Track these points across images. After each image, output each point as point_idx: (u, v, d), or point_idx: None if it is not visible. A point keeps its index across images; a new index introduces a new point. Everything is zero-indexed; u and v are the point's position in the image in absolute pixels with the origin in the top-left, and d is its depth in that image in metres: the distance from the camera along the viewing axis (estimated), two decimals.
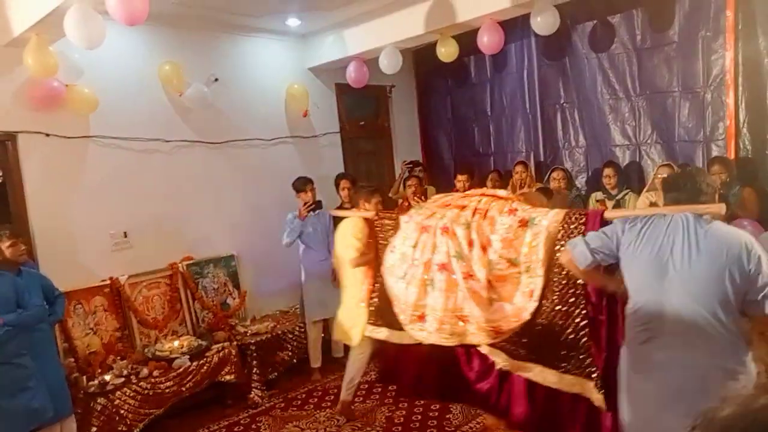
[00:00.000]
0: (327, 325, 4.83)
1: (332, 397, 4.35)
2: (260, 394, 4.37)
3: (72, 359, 3.88)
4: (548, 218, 2.76)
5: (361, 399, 4.27)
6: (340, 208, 5.05)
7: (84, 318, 4.04)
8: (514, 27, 5.24)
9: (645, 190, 4.53)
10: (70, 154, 4.23)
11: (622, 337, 2.39)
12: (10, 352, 2.91)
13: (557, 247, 2.70)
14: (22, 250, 3.34)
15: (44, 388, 3.09)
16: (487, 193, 3.24)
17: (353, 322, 3.78)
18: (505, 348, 2.96)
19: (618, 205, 4.63)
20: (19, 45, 3.73)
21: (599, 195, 4.75)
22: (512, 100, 5.87)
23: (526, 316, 2.77)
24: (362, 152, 6.52)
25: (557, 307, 2.71)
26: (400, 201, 5.48)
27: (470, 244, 2.91)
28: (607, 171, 4.74)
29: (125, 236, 4.47)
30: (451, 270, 2.93)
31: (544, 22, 4.41)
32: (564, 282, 2.68)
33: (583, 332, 2.64)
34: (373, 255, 3.63)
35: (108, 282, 4.25)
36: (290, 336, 4.76)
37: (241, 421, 4.09)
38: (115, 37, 3.99)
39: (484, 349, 3.08)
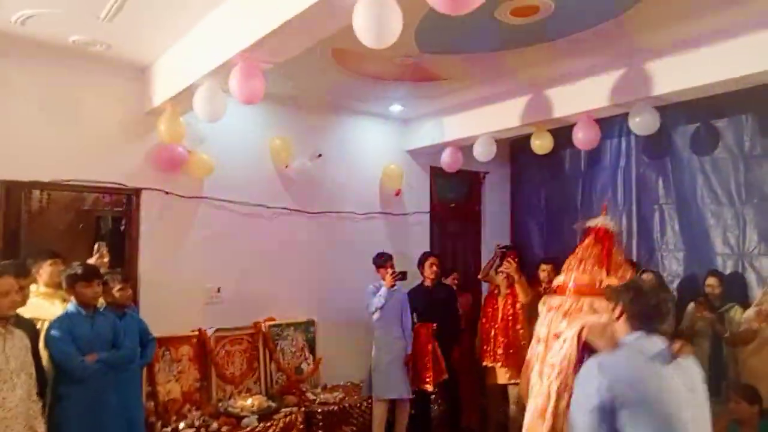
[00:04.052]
0: (393, 406, 4.77)
1: None
2: None
3: (152, 403, 4.12)
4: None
5: None
6: (421, 285, 5.12)
7: (169, 364, 4.31)
8: (612, 123, 5.23)
9: (754, 304, 4.22)
10: (183, 211, 4.67)
11: None
12: (99, 388, 3.13)
13: None
14: (129, 294, 3.63)
15: (123, 427, 3.30)
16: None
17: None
18: None
19: (722, 318, 4.32)
20: (155, 114, 4.30)
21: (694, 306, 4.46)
22: (603, 196, 5.77)
23: None
24: (450, 233, 6.60)
25: None
26: (490, 286, 5.42)
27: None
28: (711, 280, 4.47)
29: (218, 291, 4.79)
30: None
31: (642, 123, 4.38)
32: None
33: None
34: None
35: (196, 333, 4.53)
36: (357, 411, 4.75)
37: None
38: (236, 111, 4.42)
39: None
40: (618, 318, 2.13)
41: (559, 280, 3.43)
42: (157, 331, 3.89)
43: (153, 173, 4.50)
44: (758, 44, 3.41)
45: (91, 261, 3.55)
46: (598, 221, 3.43)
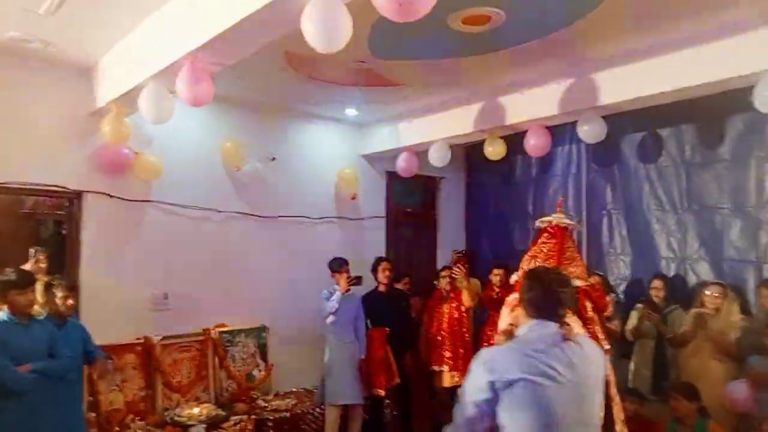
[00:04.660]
0: (346, 412, 4.72)
1: None
2: None
3: (94, 414, 3.95)
4: None
5: None
6: (375, 290, 5.09)
7: (112, 374, 4.15)
8: (563, 131, 5.35)
9: (694, 306, 4.37)
10: (128, 215, 4.53)
11: None
12: (35, 400, 2.97)
13: None
14: (71, 304, 3.42)
15: None
16: None
17: None
18: None
19: (665, 320, 4.46)
20: (100, 115, 4.15)
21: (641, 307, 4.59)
22: (554, 202, 5.87)
23: None
24: (406, 238, 6.61)
25: None
26: (436, 292, 5.44)
27: None
28: (656, 283, 4.61)
29: (165, 297, 4.65)
30: None
31: (590, 131, 4.48)
32: None
33: None
34: None
35: (142, 340, 4.38)
36: (309, 417, 4.69)
37: None
38: (185, 112, 4.28)
39: None
40: (518, 305, 2.19)
41: (513, 278, 3.50)
42: (99, 339, 3.73)
43: (97, 176, 4.35)
44: (697, 58, 3.54)
45: (27, 267, 3.38)
46: (550, 218, 3.50)
